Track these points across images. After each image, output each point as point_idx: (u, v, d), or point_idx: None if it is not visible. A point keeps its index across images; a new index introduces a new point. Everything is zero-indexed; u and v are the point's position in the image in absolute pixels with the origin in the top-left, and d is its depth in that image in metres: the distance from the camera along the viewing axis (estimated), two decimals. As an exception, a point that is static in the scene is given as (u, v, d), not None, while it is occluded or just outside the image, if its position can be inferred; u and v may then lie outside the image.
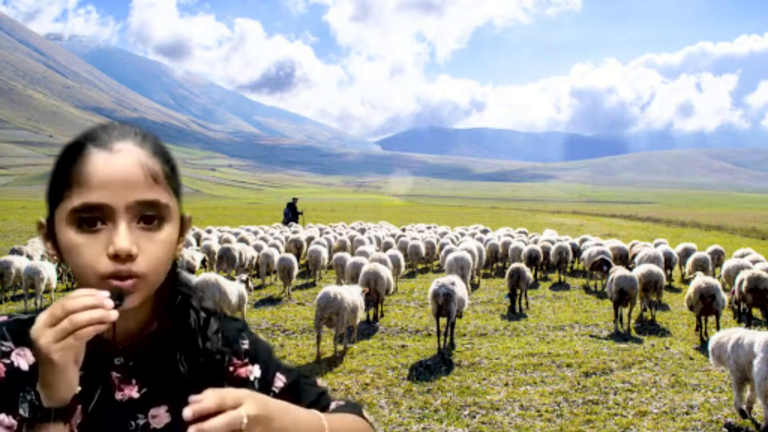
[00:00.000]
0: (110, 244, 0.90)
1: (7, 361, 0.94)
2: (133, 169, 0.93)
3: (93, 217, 0.92)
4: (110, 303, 0.85)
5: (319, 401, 1.14)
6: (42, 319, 0.84)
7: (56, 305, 0.84)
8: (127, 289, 0.91)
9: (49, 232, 0.98)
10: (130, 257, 0.91)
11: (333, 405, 1.15)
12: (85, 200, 0.91)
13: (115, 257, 0.90)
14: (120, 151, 0.94)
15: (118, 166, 0.93)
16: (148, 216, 0.94)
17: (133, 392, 1.00)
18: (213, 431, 0.80)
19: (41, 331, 0.83)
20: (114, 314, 0.85)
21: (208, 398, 0.82)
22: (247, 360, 1.11)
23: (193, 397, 0.82)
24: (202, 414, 0.81)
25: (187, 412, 0.81)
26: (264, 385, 1.11)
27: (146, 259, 0.93)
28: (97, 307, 0.84)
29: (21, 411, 0.88)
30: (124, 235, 0.90)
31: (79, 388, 0.88)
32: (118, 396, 0.99)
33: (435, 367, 7.01)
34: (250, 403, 0.85)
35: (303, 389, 1.14)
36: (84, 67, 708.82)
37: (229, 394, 0.84)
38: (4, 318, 1.00)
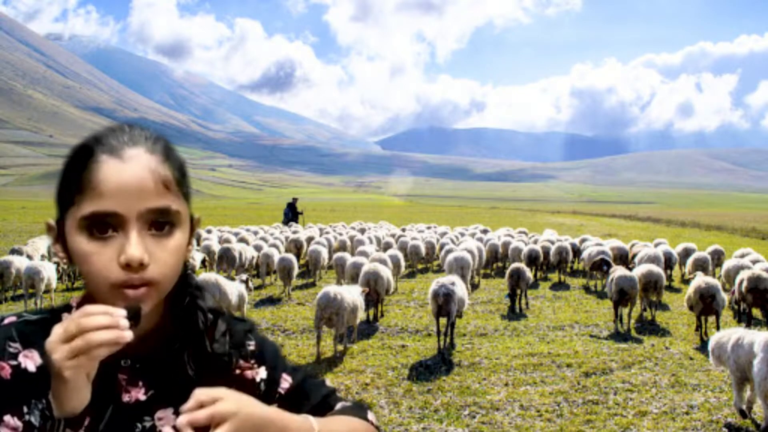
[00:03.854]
0: (122, 252, 0.90)
1: (14, 363, 0.94)
2: (145, 177, 0.93)
3: (104, 225, 0.91)
4: (126, 323, 0.85)
5: (325, 402, 1.13)
6: (57, 332, 0.84)
7: (72, 321, 0.84)
8: (141, 298, 0.91)
9: (58, 234, 0.97)
10: (141, 266, 0.90)
11: (339, 406, 1.14)
12: (95, 208, 0.91)
13: (127, 266, 0.90)
14: (131, 159, 0.93)
15: (129, 174, 0.92)
16: (159, 222, 0.94)
17: (139, 394, 1.00)
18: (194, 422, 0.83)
19: (55, 345, 0.83)
20: (129, 335, 0.84)
21: (204, 410, 0.84)
22: (253, 362, 1.10)
23: (199, 397, 0.85)
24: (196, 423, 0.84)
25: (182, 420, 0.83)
26: (270, 387, 1.11)
27: (158, 267, 0.92)
28: (112, 327, 0.83)
29: (32, 419, 0.88)
30: (135, 244, 0.90)
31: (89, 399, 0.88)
32: (125, 398, 0.99)
33: (435, 367, 7.01)
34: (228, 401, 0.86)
35: (309, 390, 1.14)
36: (84, 67, 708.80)
37: (223, 403, 0.86)
38: (13, 318, 0.99)
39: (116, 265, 0.90)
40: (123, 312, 0.85)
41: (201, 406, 0.85)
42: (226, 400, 0.86)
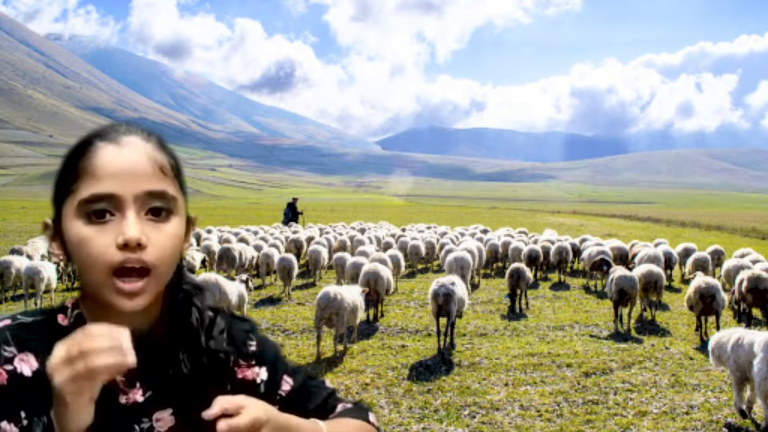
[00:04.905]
0: (119, 234, 0.90)
1: (10, 368, 0.92)
2: (141, 160, 0.94)
3: (101, 209, 0.92)
4: (129, 346, 0.82)
5: (326, 404, 1.13)
6: (59, 354, 0.82)
7: (74, 342, 0.81)
8: (138, 291, 0.91)
9: (55, 232, 0.97)
10: (139, 246, 0.90)
11: (340, 407, 1.14)
12: (93, 191, 0.91)
13: (125, 246, 0.90)
14: (128, 144, 0.95)
15: (126, 157, 0.94)
16: (156, 208, 0.94)
17: (137, 396, 0.99)
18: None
19: (57, 367, 0.81)
20: (132, 359, 0.82)
21: (243, 416, 0.86)
22: (254, 362, 1.10)
23: (223, 404, 0.86)
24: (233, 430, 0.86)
25: (223, 426, 0.85)
26: (271, 388, 1.10)
27: (155, 250, 0.92)
28: (114, 349, 0.81)
29: None
30: (133, 224, 0.91)
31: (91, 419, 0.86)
32: (123, 400, 0.98)
33: (435, 367, 7.01)
34: (266, 429, 0.89)
35: (310, 392, 1.13)
36: (84, 67, 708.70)
37: (254, 409, 0.88)
38: (8, 322, 0.98)
39: (114, 248, 0.90)
40: (127, 333, 0.83)
41: (224, 413, 0.86)
42: (252, 407, 0.88)
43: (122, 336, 0.83)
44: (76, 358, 0.80)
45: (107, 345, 0.81)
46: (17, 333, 0.96)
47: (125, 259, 0.90)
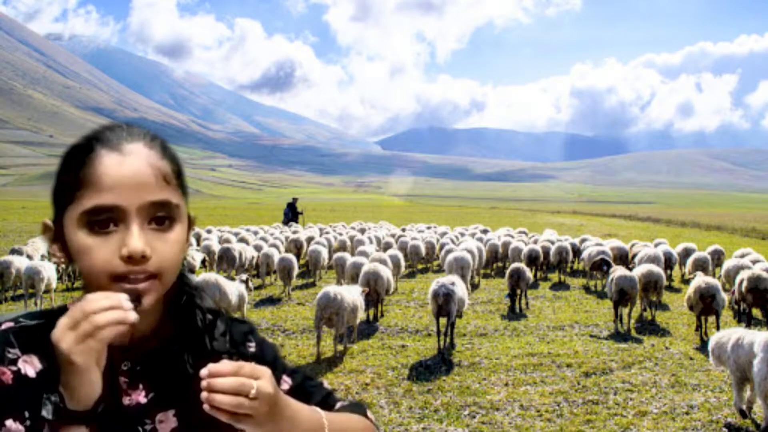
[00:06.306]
0: (123, 245, 0.90)
1: (14, 368, 0.93)
2: (145, 170, 0.93)
3: (105, 219, 0.91)
4: (129, 304, 0.86)
5: (325, 403, 1.14)
6: (63, 322, 0.84)
7: (76, 308, 0.84)
8: (142, 292, 0.92)
9: (56, 234, 0.97)
10: (143, 258, 0.91)
11: (338, 405, 1.15)
12: (97, 202, 0.91)
13: (129, 259, 0.90)
14: (131, 153, 0.94)
15: (129, 167, 0.93)
16: (160, 217, 0.94)
17: (140, 397, 0.99)
18: (221, 388, 0.84)
19: (62, 334, 0.83)
20: (133, 315, 0.85)
21: (225, 364, 0.87)
22: (254, 364, 1.10)
23: (212, 364, 0.86)
24: (218, 374, 0.85)
25: (204, 371, 0.85)
26: None
27: (159, 260, 0.93)
28: (115, 308, 0.84)
29: (44, 413, 0.87)
30: (137, 237, 0.91)
31: (100, 391, 0.87)
32: (126, 401, 0.99)
33: (435, 367, 7.01)
34: (266, 380, 0.88)
35: (309, 392, 1.14)
36: (84, 67, 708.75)
37: (247, 365, 0.88)
38: (11, 324, 0.98)
39: (118, 258, 0.91)
40: (124, 295, 0.87)
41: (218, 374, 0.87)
42: (245, 369, 0.88)
43: (121, 297, 0.86)
44: (81, 321, 0.83)
45: (108, 304, 0.84)
46: (20, 335, 0.96)
47: (129, 271, 0.91)
